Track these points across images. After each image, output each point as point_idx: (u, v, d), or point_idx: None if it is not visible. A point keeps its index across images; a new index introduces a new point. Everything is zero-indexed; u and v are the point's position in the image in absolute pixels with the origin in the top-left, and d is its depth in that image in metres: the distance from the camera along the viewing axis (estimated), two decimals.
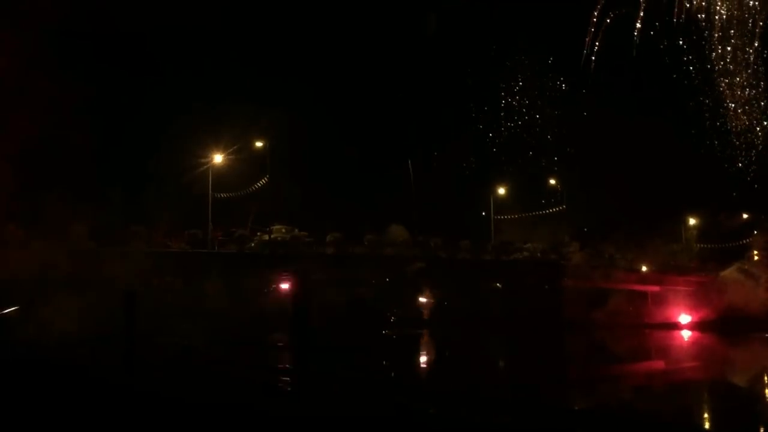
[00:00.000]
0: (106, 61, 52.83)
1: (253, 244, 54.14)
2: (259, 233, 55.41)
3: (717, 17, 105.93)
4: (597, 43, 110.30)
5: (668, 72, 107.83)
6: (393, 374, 32.84)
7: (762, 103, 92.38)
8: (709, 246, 78.69)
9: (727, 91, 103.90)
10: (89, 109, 42.77)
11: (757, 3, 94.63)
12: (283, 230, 55.28)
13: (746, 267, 71.58)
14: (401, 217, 64.37)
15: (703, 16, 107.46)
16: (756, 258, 76.01)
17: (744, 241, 77.59)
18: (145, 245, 47.13)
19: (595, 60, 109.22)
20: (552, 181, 75.80)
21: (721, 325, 61.78)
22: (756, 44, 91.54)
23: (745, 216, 77.69)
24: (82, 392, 16.03)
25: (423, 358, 44.18)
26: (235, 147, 55.50)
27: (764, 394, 29.61)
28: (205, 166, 54.18)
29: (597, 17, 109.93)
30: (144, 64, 63.65)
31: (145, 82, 62.95)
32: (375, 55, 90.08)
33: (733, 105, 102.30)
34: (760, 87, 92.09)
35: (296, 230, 56.12)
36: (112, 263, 39.16)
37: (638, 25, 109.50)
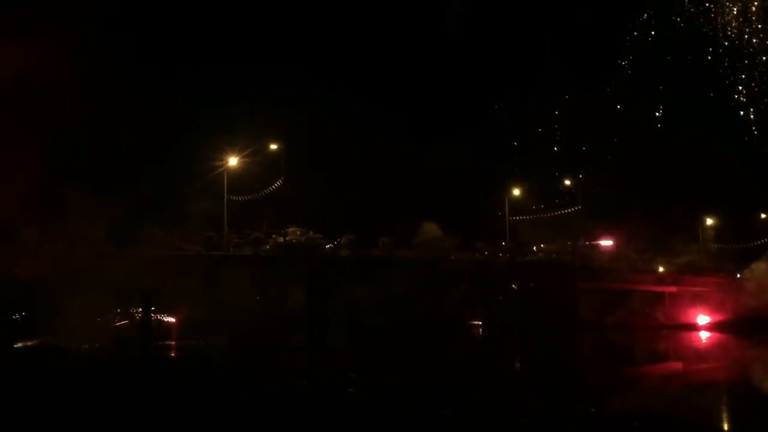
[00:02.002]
0: (123, 66, 53.25)
1: (268, 247, 54.23)
2: (274, 235, 55.51)
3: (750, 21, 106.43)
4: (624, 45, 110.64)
5: (688, 70, 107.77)
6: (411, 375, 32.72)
7: None
8: (726, 246, 77.94)
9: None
10: (106, 115, 43.10)
11: None
12: (298, 232, 55.34)
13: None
14: (418, 219, 64.27)
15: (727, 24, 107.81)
16: None
17: (762, 241, 76.81)
18: (161, 248, 47.31)
19: (623, 66, 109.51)
20: (567, 182, 75.46)
21: (739, 327, 61.16)
22: None
23: (763, 216, 76.89)
24: (102, 391, 16.14)
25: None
26: (250, 150, 55.65)
27: None
28: (221, 169, 54.34)
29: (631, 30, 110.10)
30: (161, 69, 64.25)
31: (161, 86, 63.48)
32: (392, 56, 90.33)
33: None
34: None
35: (311, 232, 56.20)
36: (128, 266, 39.35)
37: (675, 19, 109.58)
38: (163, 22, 67.24)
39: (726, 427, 19.70)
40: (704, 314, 67.43)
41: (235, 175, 56.06)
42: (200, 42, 71.26)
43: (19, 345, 29.37)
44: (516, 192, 70.54)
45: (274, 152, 58.18)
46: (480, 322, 63.50)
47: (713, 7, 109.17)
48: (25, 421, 13.83)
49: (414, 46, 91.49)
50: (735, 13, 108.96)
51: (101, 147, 50.17)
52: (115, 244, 44.39)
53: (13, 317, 40.41)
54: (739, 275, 72.91)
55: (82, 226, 41.42)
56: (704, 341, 57.10)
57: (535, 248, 65.76)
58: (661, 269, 68.50)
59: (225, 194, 54.08)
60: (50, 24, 37.92)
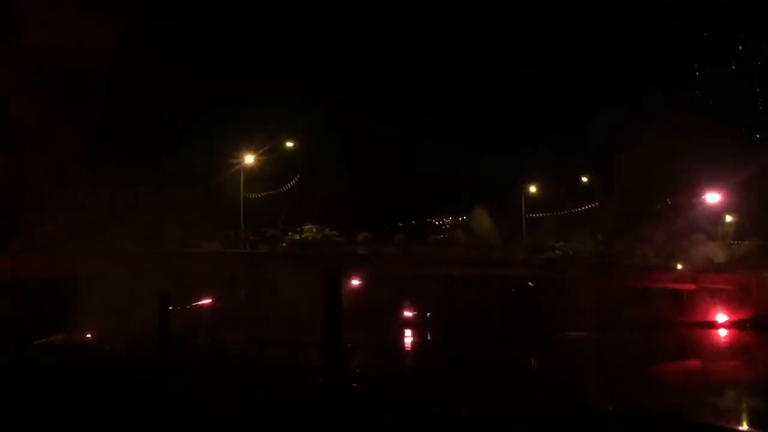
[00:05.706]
0: (141, 65, 53.48)
1: (284, 244, 54.47)
2: (290, 233, 55.73)
3: None
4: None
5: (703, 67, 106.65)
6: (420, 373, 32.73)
7: None
8: (746, 242, 77.07)
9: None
10: (123, 112, 43.39)
11: None
12: (314, 230, 55.56)
13: None
14: (430, 217, 64.15)
15: None
16: None
17: None
18: (179, 246, 47.67)
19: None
20: (585, 179, 74.98)
21: (761, 324, 60.55)
22: None
23: None
24: (118, 392, 16.25)
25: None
26: (266, 147, 55.91)
27: None
28: (237, 167, 54.63)
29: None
30: (178, 67, 64.51)
31: (177, 84, 63.72)
32: (405, 54, 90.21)
33: None
34: None
35: (327, 229, 56.38)
36: (147, 264, 39.64)
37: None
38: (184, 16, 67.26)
39: (746, 426, 19.50)
40: (724, 312, 66.79)
41: (252, 173, 56.36)
42: (214, 40, 71.41)
43: (37, 342, 29.72)
44: (533, 189, 70.24)
45: (290, 149, 58.45)
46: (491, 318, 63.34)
47: None
48: (39, 418, 13.97)
49: (433, 37, 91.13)
50: None
51: (118, 143, 50.48)
52: (134, 242, 44.74)
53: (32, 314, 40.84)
54: (759, 272, 72.06)
55: (100, 224, 41.81)
56: (724, 339, 56.60)
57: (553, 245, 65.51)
58: (679, 266, 67.92)
59: (242, 192, 54.42)
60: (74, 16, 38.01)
